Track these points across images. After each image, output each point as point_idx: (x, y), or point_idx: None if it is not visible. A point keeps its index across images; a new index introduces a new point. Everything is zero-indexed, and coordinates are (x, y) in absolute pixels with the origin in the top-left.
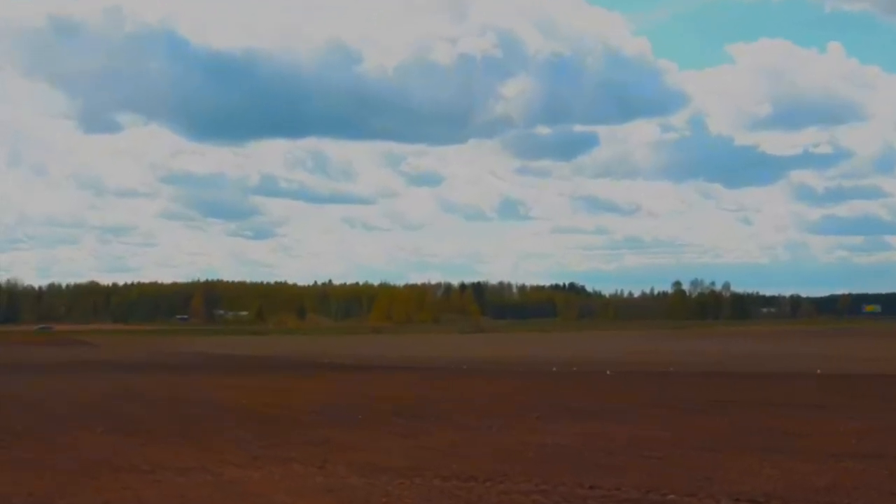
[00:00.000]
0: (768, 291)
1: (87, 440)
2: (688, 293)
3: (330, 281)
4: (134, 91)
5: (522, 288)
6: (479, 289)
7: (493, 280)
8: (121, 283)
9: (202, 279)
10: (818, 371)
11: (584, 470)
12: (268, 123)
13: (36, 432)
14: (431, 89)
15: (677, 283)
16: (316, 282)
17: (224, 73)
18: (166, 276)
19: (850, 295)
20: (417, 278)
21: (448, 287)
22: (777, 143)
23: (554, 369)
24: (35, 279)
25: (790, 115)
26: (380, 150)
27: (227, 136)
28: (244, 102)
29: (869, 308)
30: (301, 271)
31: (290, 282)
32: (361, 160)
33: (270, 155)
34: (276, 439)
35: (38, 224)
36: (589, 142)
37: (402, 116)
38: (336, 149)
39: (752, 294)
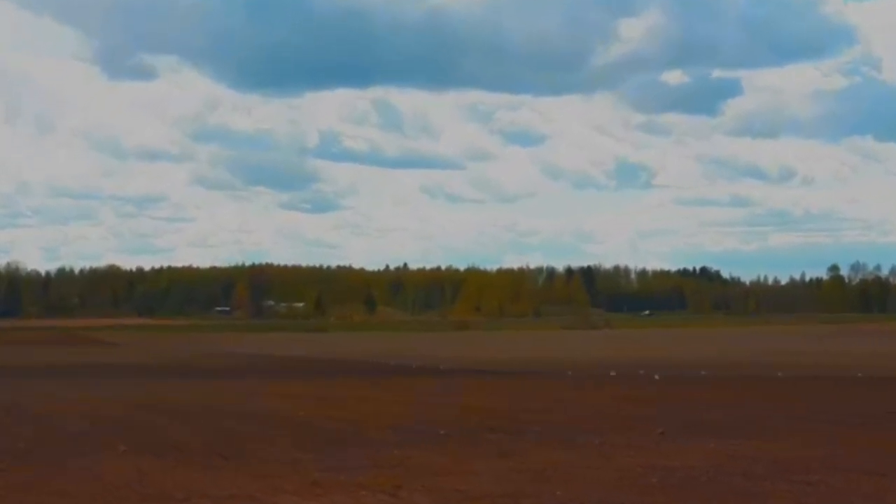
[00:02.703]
0: None
1: (106, 462)
2: (847, 280)
3: (405, 265)
4: (161, 29)
5: (643, 273)
6: (589, 274)
7: (607, 264)
8: (147, 267)
9: (247, 263)
10: None
11: (719, 498)
12: (327, 69)
13: (43, 452)
14: (530, 26)
15: (834, 268)
16: (388, 266)
17: (273, 7)
18: (203, 259)
19: None
20: (513, 262)
21: (551, 272)
22: None
23: (686, 373)
24: (41, 263)
25: None
26: (466, 101)
27: (278, 84)
28: (298, 43)
29: None
30: (369, 253)
31: (357, 266)
32: (443, 114)
33: (331, 108)
34: (339, 461)
35: (42, 194)
36: (729, 91)
37: (493, 60)
38: (412, 100)
39: None
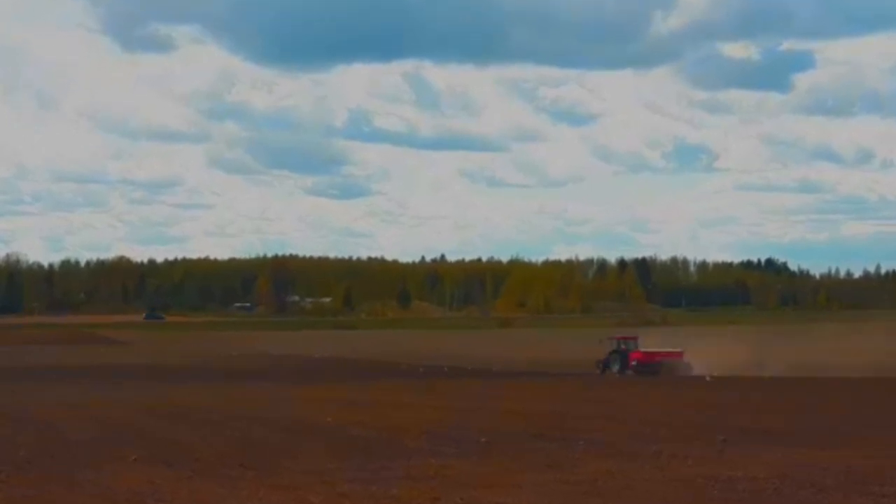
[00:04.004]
0: None
1: (115, 472)
2: None
3: (442, 256)
4: None
5: (703, 265)
6: (643, 267)
7: (663, 255)
8: (159, 259)
9: (270, 254)
10: None
11: None
12: (357, 41)
13: (46, 462)
14: None
15: None
16: (423, 258)
17: None
18: (221, 250)
19: None
20: (561, 253)
21: (602, 264)
22: None
23: (749, 374)
24: (43, 254)
25: None
26: (510, 76)
27: (303, 58)
28: (325, 13)
29: None
30: (403, 243)
31: (389, 257)
32: (484, 91)
33: (361, 84)
34: (370, 471)
35: (45, 179)
36: (800, 64)
37: (539, 31)
38: (450, 75)
39: None
